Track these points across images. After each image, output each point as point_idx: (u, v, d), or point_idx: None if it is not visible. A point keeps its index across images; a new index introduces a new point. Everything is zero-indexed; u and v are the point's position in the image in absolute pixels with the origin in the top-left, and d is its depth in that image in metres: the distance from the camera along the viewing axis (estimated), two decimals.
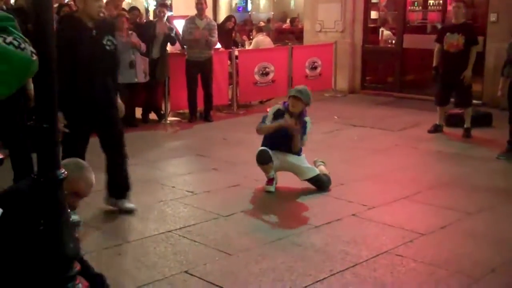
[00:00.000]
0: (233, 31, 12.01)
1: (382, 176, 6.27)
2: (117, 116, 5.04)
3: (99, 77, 4.83)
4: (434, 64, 8.42)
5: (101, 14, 5.00)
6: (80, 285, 2.95)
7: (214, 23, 9.75)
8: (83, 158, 4.37)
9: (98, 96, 4.82)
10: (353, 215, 5.03)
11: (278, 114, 5.77)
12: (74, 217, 3.21)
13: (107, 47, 4.87)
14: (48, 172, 2.77)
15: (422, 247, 4.39)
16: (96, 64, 4.79)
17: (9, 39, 2.08)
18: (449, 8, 11.95)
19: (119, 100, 5.05)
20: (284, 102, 5.88)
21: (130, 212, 5.05)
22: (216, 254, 4.19)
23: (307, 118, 5.85)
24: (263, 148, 5.68)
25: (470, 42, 8.12)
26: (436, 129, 8.40)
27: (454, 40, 8.13)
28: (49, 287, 2.81)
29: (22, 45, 2.11)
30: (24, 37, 2.17)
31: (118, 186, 5.11)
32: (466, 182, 6.08)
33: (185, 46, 9.44)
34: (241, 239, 4.55)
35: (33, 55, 2.16)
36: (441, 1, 11.98)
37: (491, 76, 10.29)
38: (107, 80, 4.90)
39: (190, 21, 9.36)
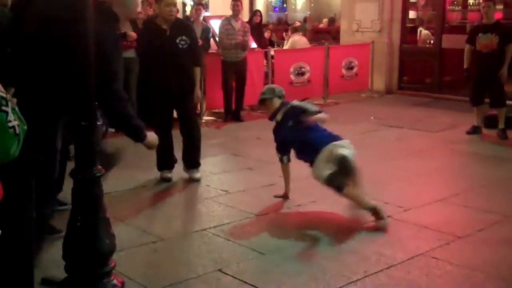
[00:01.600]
0: (261, 25, 12.02)
1: (418, 178, 6.20)
2: (191, 101, 6.09)
3: (173, 71, 5.71)
4: (466, 66, 8.33)
5: (172, 17, 5.76)
6: (115, 281, 3.00)
7: (247, 25, 9.81)
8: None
9: (173, 86, 5.74)
10: (389, 216, 4.97)
11: (279, 130, 5.27)
12: None
13: (180, 46, 5.73)
14: (85, 169, 2.83)
15: (459, 250, 4.32)
16: (170, 60, 5.68)
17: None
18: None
19: (197, 90, 6.07)
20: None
21: (197, 180, 5.90)
22: (250, 253, 4.21)
23: (294, 103, 5.20)
24: None
25: (506, 41, 7.96)
26: (474, 130, 8.26)
27: (488, 40, 7.99)
28: (85, 282, 2.86)
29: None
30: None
31: (192, 157, 6.03)
32: (504, 185, 5.96)
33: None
34: (275, 238, 4.55)
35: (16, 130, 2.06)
36: (481, 1, 11.76)
37: None
38: (181, 74, 5.76)
39: (227, 22, 9.41)
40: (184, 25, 6.10)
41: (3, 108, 2.00)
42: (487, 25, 8.13)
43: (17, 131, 2.04)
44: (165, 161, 6.03)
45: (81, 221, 2.82)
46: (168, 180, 5.93)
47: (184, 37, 5.77)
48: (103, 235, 2.84)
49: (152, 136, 3.56)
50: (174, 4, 5.82)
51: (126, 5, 3.50)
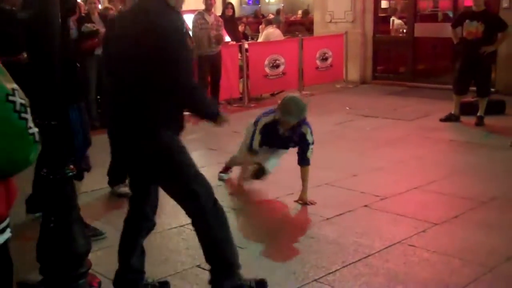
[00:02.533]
0: (234, 18, 11.98)
1: (394, 166, 6.24)
2: None
3: None
4: (456, 41, 8.34)
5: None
6: (91, 282, 2.96)
7: (220, 18, 9.75)
8: None
9: None
10: (366, 206, 5.01)
11: (267, 131, 5.03)
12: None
13: None
14: (57, 169, 2.78)
15: (435, 237, 4.36)
16: None
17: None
18: None
19: None
20: (271, 111, 5.08)
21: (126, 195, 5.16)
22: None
23: (305, 129, 4.94)
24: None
25: (495, 29, 7.99)
26: (449, 118, 8.31)
27: (473, 28, 7.99)
28: (61, 283, 2.82)
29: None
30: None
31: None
32: (479, 171, 6.03)
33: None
34: (253, 232, 4.55)
35: (36, 137, 2.08)
36: None
37: (504, 63, 10.20)
38: None
39: (200, 16, 9.35)
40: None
41: (23, 115, 2.01)
42: (475, 12, 8.11)
43: (37, 138, 2.08)
44: (119, 175, 5.41)
45: (54, 222, 2.77)
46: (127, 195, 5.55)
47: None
48: (77, 236, 2.78)
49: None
50: None
51: None
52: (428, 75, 11.98)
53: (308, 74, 11.20)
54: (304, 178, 5.07)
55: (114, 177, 5.42)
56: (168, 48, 2.97)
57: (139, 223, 3.48)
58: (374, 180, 5.76)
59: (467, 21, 8.09)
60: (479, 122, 8.07)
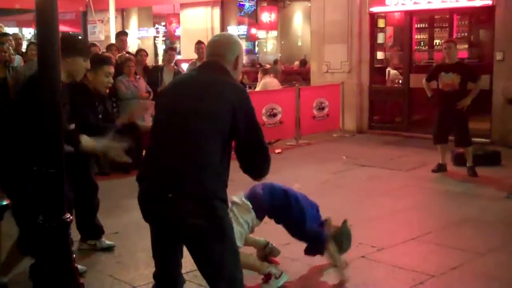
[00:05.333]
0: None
1: (391, 217, 6.23)
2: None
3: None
4: (430, 94, 8.47)
5: (107, 90, 5.24)
6: None
7: None
8: None
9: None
10: (362, 257, 4.97)
11: None
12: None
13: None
14: (53, 217, 2.78)
15: None
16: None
17: None
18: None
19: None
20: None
21: (110, 248, 5.22)
22: None
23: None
24: None
25: (468, 80, 8.10)
26: (439, 168, 8.32)
27: (449, 80, 8.10)
28: None
29: None
30: None
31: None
32: (476, 222, 6.01)
33: None
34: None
35: None
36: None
37: (499, 114, 10.31)
38: None
39: (192, 66, 9.52)
40: (103, 96, 5.48)
41: None
42: (449, 65, 8.24)
43: None
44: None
45: (49, 269, 2.76)
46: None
47: (101, 107, 5.28)
48: (71, 285, 2.77)
49: None
50: (112, 74, 5.28)
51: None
52: (424, 125, 12.05)
53: (305, 123, 11.28)
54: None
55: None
56: (252, 114, 3.03)
57: None
58: (370, 230, 5.73)
59: (442, 73, 8.18)
60: (471, 173, 8.06)
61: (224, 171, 2.97)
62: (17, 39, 10.12)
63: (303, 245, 4.49)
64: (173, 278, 3.18)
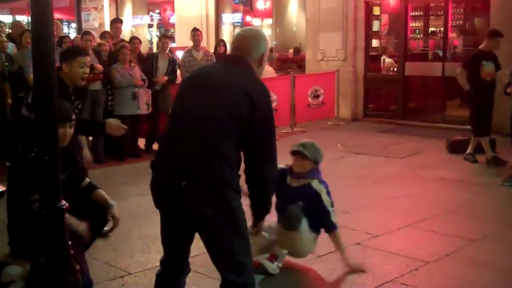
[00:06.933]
0: (226, 54, 12.10)
1: (386, 204, 6.25)
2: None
3: None
4: (466, 88, 8.21)
5: (83, 80, 5.14)
6: None
7: (211, 53, 9.86)
8: None
9: None
10: (358, 243, 4.99)
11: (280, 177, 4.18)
12: None
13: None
14: (50, 204, 2.78)
15: (427, 275, 4.34)
16: None
17: None
18: (450, 35, 12.11)
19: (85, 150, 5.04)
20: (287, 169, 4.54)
21: (106, 235, 5.08)
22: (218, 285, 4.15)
23: (319, 187, 4.42)
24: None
25: (498, 69, 8.08)
26: (496, 161, 8.04)
27: (490, 69, 7.99)
28: None
29: None
30: None
31: None
32: (471, 209, 6.05)
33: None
34: None
35: None
36: (442, 29, 12.07)
37: (495, 102, 10.29)
38: None
39: (188, 54, 9.50)
40: (82, 89, 5.45)
41: None
42: (487, 53, 8.09)
43: None
44: None
45: (45, 257, 2.76)
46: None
47: (79, 102, 5.25)
48: (67, 271, 2.78)
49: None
50: (88, 64, 5.16)
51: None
52: (418, 113, 12.09)
53: (300, 111, 11.27)
54: (337, 244, 4.45)
55: None
56: (270, 112, 3.03)
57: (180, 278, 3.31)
58: (366, 217, 5.76)
59: (484, 62, 8.01)
60: (497, 162, 7.98)
61: (236, 162, 2.96)
62: (21, 27, 10.12)
63: None
64: (180, 266, 3.22)
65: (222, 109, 2.87)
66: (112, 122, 4.99)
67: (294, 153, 4.44)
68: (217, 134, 2.85)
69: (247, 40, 3.14)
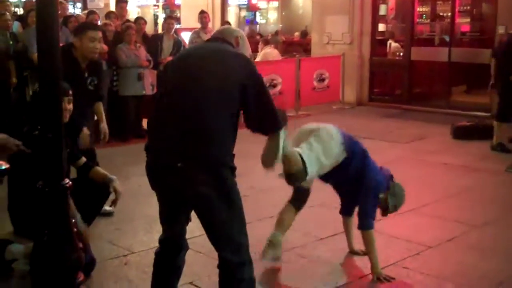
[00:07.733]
0: None
1: None
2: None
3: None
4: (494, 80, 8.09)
5: (95, 54, 5.11)
6: None
7: None
8: None
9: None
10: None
11: None
12: None
13: (89, 87, 5.15)
14: (53, 182, 2.78)
15: (429, 259, 4.36)
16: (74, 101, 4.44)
17: None
18: (457, 20, 12.01)
19: (85, 130, 4.86)
20: None
21: (110, 214, 5.17)
22: None
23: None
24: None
25: None
26: (502, 148, 7.98)
27: None
28: None
29: None
30: None
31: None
32: (472, 195, 6.05)
33: None
34: None
35: None
36: (449, 14, 11.98)
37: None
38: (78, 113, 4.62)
39: (196, 35, 9.48)
40: (97, 65, 5.39)
41: None
42: None
43: None
44: None
45: (48, 235, 2.77)
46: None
47: (94, 78, 5.19)
48: (70, 250, 2.79)
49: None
50: (100, 40, 5.10)
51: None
52: (424, 98, 12.05)
53: (305, 94, 11.24)
54: (366, 247, 4.17)
55: None
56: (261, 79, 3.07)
57: (179, 255, 3.38)
58: None
59: None
60: (503, 148, 7.93)
61: (231, 139, 2.97)
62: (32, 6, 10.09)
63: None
64: (178, 244, 3.28)
65: (211, 85, 2.89)
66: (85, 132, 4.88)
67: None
68: (208, 111, 2.86)
69: (220, 30, 3.39)
